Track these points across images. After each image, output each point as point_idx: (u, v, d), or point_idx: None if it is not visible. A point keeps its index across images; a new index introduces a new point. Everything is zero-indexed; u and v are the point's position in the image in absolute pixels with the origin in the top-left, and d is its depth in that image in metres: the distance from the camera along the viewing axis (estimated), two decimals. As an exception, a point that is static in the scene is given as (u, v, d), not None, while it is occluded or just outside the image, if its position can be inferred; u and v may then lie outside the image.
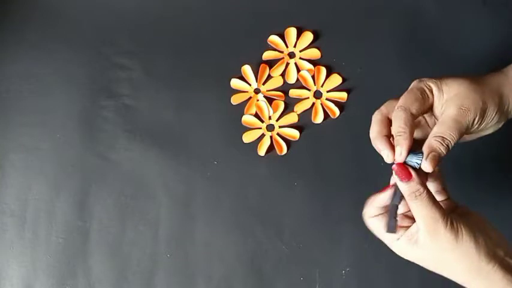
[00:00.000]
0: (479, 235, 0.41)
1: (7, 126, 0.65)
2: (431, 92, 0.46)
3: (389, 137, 0.46)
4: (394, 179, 0.44)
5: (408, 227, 0.43)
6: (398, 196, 0.45)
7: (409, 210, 0.44)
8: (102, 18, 0.68)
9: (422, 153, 0.44)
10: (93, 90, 0.65)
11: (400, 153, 0.44)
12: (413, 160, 0.44)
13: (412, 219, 0.44)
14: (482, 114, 0.45)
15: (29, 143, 0.64)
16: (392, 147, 0.45)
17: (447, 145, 0.44)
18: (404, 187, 0.43)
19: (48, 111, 0.65)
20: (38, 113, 0.65)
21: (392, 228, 0.44)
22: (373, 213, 0.45)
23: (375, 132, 0.46)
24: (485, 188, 0.61)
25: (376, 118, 0.47)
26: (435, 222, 0.41)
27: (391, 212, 0.45)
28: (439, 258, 0.42)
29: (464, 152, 0.62)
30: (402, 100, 0.46)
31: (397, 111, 0.45)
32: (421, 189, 0.42)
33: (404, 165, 0.44)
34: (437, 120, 0.46)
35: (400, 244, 0.43)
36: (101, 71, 0.66)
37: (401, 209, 0.46)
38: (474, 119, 0.45)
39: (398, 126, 0.44)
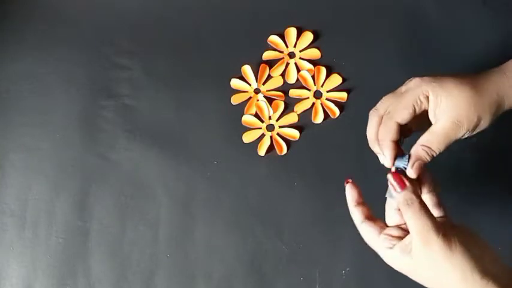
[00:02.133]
0: (474, 249, 0.40)
1: (7, 126, 0.65)
2: (427, 98, 0.45)
3: None
4: (389, 187, 0.44)
5: (402, 238, 0.43)
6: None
7: (405, 223, 0.44)
8: (102, 18, 0.68)
9: (409, 156, 0.46)
10: (93, 90, 0.65)
11: (386, 162, 0.46)
12: (401, 165, 0.46)
13: (407, 232, 0.43)
14: (474, 128, 0.45)
15: (29, 143, 0.64)
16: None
17: (432, 155, 0.45)
18: (397, 196, 0.43)
19: (48, 111, 0.65)
20: (38, 113, 0.65)
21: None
22: (360, 216, 0.45)
23: (371, 134, 0.47)
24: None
25: (372, 120, 0.47)
26: (427, 231, 0.40)
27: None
28: (431, 270, 0.41)
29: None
30: (392, 105, 0.46)
31: (384, 119, 0.46)
32: (414, 198, 0.42)
33: (398, 174, 0.44)
34: (431, 121, 0.46)
35: (394, 254, 0.42)
36: (101, 71, 0.66)
37: (396, 220, 0.45)
38: (465, 133, 0.45)
39: (383, 135, 0.46)
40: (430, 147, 0.45)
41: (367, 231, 0.45)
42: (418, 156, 0.45)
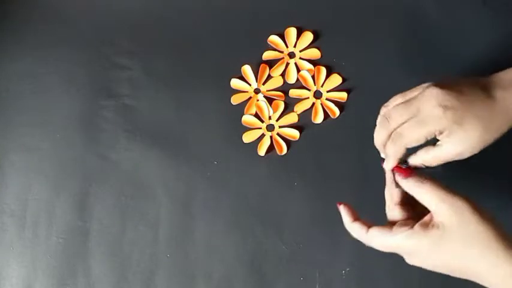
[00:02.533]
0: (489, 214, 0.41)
1: (7, 126, 0.65)
2: (442, 133, 0.44)
3: None
4: (398, 179, 0.45)
5: (415, 223, 0.43)
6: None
7: (404, 222, 0.44)
8: (102, 18, 0.68)
9: (406, 163, 0.47)
10: (93, 90, 0.65)
11: (387, 167, 0.48)
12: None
13: (416, 222, 0.43)
14: (473, 153, 0.45)
15: (29, 143, 0.64)
16: None
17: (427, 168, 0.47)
18: (407, 182, 0.44)
19: (48, 111, 0.65)
20: (38, 113, 0.65)
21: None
22: (363, 228, 0.45)
23: (379, 143, 0.48)
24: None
25: (381, 132, 0.48)
26: (452, 197, 0.41)
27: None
28: (463, 237, 0.39)
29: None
30: (405, 127, 0.45)
31: (394, 138, 0.46)
32: (425, 176, 0.43)
33: (400, 167, 0.46)
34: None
35: (414, 235, 0.41)
36: (101, 71, 0.66)
37: (398, 216, 0.46)
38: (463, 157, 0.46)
39: (390, 152, 0.47)
40: (427, 166, 0.46)
41: (377, 234, 0.44)
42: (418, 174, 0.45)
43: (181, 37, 0.67)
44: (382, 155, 0.49)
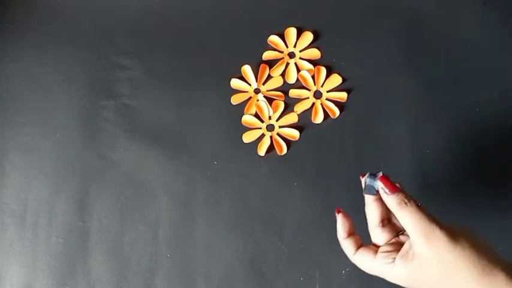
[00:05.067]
0: (476, 238, 0.40)
1: (7, 126, 0.65)
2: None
3: None
4: (382, 194, 0.43)
5: (397, 251, 0.42)
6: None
7: (392, 239, 0.44)
8: (102, 18, 0.68)
9: (378, 174, 0.44)
10: (93, 90, 0.65)
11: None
12: (374, 185, 0.44)
13: (400, 245, 0.43)
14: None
15: (29, 143, 0.64)
16: None
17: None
18: (391, 198, 0.42)
19: (48, 111, 0.65)
20: (38, 113, 0.65)
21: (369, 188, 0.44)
22: (352, 248, 0.44)
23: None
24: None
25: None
26: (429, 226, 0.40)
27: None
28: (439, 265, 0.40)
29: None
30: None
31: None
32: (408, 197, 0.42)
33: (386, 177, 0.43)
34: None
35: (397, 267, 0.41)
36: (101, 71, 0.66)
37: (380, 238, 0.45)
38: None
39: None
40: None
41: (363, 258, 0.44)
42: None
43: (181, 37, 0.67)
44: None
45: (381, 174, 0.44)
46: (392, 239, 0.44)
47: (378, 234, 0.45)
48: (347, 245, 0.45)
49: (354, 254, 0.44)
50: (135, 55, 0.66)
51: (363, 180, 0.45)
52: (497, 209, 0.61)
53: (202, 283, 0.60)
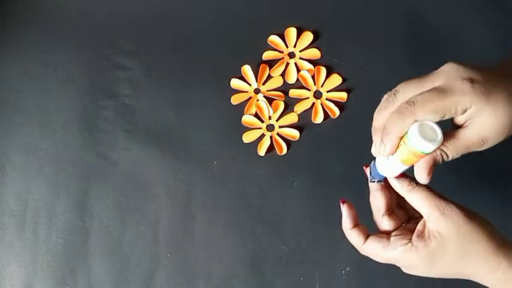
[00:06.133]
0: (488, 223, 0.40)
1: (7, 126, 0.65)
2: (465, 110, 0.37)
3: None
4: (389, 180, 0.42)
5: (409, 234, 0.41)
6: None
7: (399, 227, 0.43)
8: (102, 18, 0.68)
9: None
10: (93, 90, 0.65)
11: (380, 153, 0.40)
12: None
13: (408, 231, 0.42)
14: (499, 140, 0.39)
15: (29, 143, 0.64)
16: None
17: (444, 160, 0.40)
18: (400, 181, 0.41)
19: (48, 111, 0.65)
20: (38, 113, 0.65)
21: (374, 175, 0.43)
22: (361, 238, 0.43)
23: (378, 122, 0.40)
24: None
25: (385, 107, 0.39)
26: (443, 201, 0.39)
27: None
28: (459, 238, 0.38)
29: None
30: (420, 99, 0.36)
31: (402, 108, 0.37)
32: (415, 182, 0.41)
33: None
34: (454, 120, 0.40)
35: (414, 248, 0.40)
36: (101, 71, 0.66)
37: (392, 225, 0.44)
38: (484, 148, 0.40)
39: (392, 127, 0.38)
40: (447, 154, 0.39)
41: (374, 247, 0.42)
42: (436, 160, 0.39)
43: (181, 37, 0.67)
44: (373, 150, 0.41)
45: None
46: (399, 226, 0.44)
47: (385, 222, 0.44)
48: (355, 235, 0.43)
49: (364, 243, 0.43)
50: (135, 55, 0.66)
51: (367, 170, 0.44)
52: (498, 209, 0.60)
53: (202, 283, 0.60)
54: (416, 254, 0.40)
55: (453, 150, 0.39)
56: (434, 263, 0.40)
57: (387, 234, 0.43)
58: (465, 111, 0.37)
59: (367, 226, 0.45)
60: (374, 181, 0.44)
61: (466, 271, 0.40)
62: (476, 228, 0.39)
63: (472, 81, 0.36)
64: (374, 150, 0.41)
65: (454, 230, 0.39)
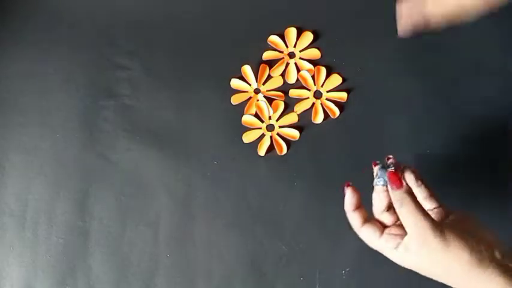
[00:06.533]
0: (470, 239, 0.41)
1: (7, 126, 0.65)
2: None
3: None
4: (389, 187, 0.44)
5: (404, 235, 0.43)
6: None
7: (398, 222, 0.45)
8: (102, 18, 0.68)
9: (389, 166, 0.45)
10: (93, 90, 0.65)
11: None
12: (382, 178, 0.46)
13: (403, 230, 0.44)
14: None
15: (29, 143, 0.64)
16: None
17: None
18: (394, 194, 0.43)
19: (48, 111, 0.65)
20: (38, 113, 0.65)
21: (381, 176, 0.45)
22: (359, 220, 0.45)
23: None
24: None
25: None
26: (423, 229, 0.41)
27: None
28: (431, 265, 0.42)
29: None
30: None
31: None
32: (408, 198, 0.42)
33: (396, 173, 0.44)
34: None
35: (399, 253, 0.43)
36: (101, 71, 0.66)
37: (391, 220, 0.46)
38: None
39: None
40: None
41: (369, 235, 0.45)
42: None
43: (181, 37, 0.67)
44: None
45: (392, 169, 0.44)
46: (398, 220, 0.45)
47: (384, 217, 0.46)
48: (355, 218, 0.46)
49: (361, 227, 0.45)
50: (135, 55, 0.66)
51: (375, 169, 0.46)
52: (498, 209, 0.61)
53: (202, 283, 0.60)
54: (401, 259, 0.43)
55: None
56: (417, 270, 0.43)
57: (384, 227, 0.46)
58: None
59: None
60: (378, 185, 0.46)
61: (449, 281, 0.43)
62: (450, 257, 0.41)
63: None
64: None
65: (429, 259, 0.42)
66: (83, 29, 0.67)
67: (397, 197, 0.43)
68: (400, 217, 0.43)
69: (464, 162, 0.62)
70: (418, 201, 0.42)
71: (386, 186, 0.45)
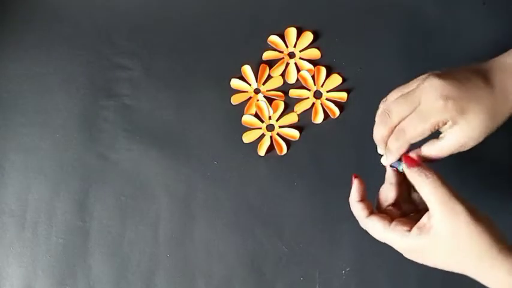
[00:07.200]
0: (493, 223, 0.41)
1: (7, 126, 0.65)
2: (445, 123, 0.44)
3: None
4: (404, 169, 0.45)
5: (412, 223, 0.43)
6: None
7: (404, 220, 0.44)
8: (102, 18, 0.68)
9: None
10: (93, 90, 0.65)
11: (386, 162, 0.48)
12: (399, 167, 0.47)
13: (415, 221, 0.43)
14: (478, 142, 0.45)
15: (29, 143, 0.64)
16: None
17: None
18: (413, 171, 0.43)
19: (48, 111, 0.65)
20: (38, 113, 0.65)
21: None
22: (365, 211, 0.45)
23: (379, 138, 0.47)
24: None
25: (382, 128, 0.46)
26: (450, 199, 0.40)
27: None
28: (455, 239, 0.40)
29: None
30: (408, 121, 0.44)
31: (397, 133, 0.45)
32: (431, 171, 0.43)
33: (409, 156, 0.45)
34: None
35: (411, 236, 0.42)
36: (101, 71, 0.66)
37: (396, 214, 0.46)
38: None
39: (394, 148, 0.46)
40: (430, 159, 0.46)
41: (376, 225, 0.44)
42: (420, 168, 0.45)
43: (181, 37, 0.67)
44: (380, 151, 0.48)
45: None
46: (403, 216, 0.46)
47: (389, 211, 0.46)
48: (360, 208, 0.46)
49: (367, 217, 0.45)
50: (135, 55, 0.66)
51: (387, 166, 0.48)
52: (498, 209, 0.60)
53: (202, 283, 0.60)
54: (410, 242, 0.42)
55: (437, 154, 0.45)
56: (423, 255, 0.42)
57: (391, 217, 0.45)
58: (444, 124, 0.44)
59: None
60: (394, 167, 0.47)
61: (456, 269, 0.42)
62: (476, 232, 0.40)
63: (447, 99, 0.43)
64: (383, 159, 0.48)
65: (453, 230, 0.40)
66: (82, 29, 0.67)
67: (417, 172, 0.43)
68: (423, 192, 0.42)
69: (464, 162, 0.62)
70: (440, 175, 0.43)
71: (400, 172, 0.46)
